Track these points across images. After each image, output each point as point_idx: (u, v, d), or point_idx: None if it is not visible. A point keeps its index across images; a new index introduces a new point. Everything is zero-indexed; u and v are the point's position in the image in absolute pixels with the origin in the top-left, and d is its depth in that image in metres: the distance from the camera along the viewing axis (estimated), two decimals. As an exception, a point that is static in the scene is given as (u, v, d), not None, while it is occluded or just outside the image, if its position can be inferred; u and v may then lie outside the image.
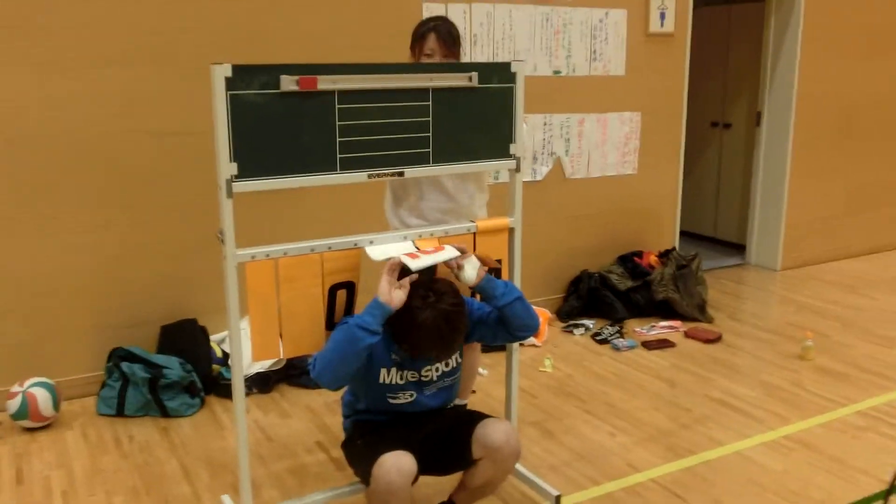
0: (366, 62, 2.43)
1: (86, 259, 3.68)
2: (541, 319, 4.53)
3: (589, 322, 4.77)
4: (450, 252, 2.47)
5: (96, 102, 3.58)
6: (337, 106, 2.34)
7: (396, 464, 2.25)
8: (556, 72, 4.79)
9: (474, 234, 2.69)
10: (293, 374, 3.88)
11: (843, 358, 4.28)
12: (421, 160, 2.53)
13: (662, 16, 5.12)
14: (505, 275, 2.79)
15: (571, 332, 4.69)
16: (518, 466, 2.88)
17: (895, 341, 4.54)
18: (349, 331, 2.26)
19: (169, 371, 3.55)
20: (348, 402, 2.64)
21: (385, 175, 2.48)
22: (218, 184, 2.24)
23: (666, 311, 4.90)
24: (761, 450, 3.28)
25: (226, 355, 3.88)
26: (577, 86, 4.88)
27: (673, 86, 5.28)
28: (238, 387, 2.41)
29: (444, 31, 2.90)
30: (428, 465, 2.43)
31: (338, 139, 2.36)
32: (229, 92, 2.17)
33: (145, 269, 3.80)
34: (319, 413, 3.60)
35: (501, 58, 4.54)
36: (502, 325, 2.52)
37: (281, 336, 2.44)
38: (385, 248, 2.48)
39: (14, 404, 3.35)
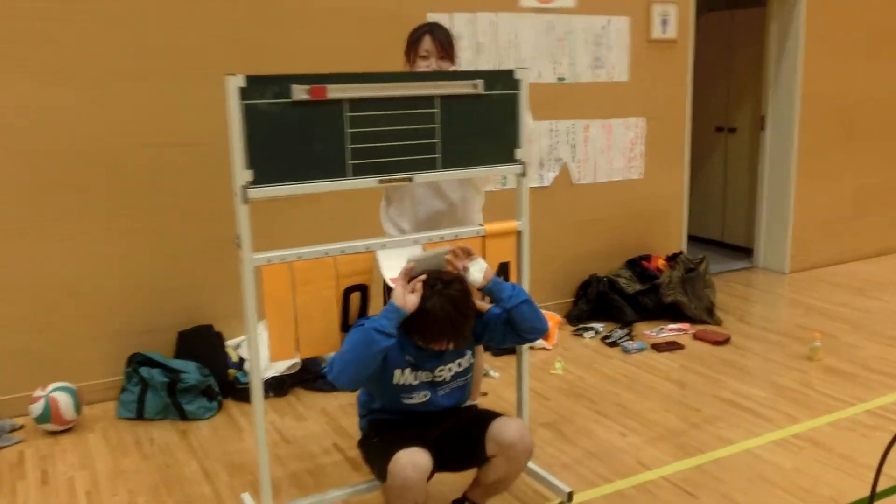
0: (372, 71, 2.50)
1: (104, 268, 3.76)
2: (550, 323, 4.60)
3: (598, 325, 4.83)
4: (446, 248, 2.54)
5: (111, 115, 3.67)
6: (347, 114, 2.42)
7: (412, 460, 2.31)
8: (561, 79, 4.86)
9: (483, 237, 2.76)
10: (308, 377, 3.95)
11: (852, 358, 4.32)
12: (429, 165, 2.60)
13: (665, 22, 5.19)
14: (513, 278, 2.85)
15: (581, 335, 4.75)
16: (531, 465, 2.94)
17: (903, 342, 4.59)
18: (366, 334, 2.33)
19: (187, 375, 3.63)
20: (364, 402, 2.70)
21: (395, 180, 2.55)
22: (233, 190, 2.31)
23: (674, 314, 4.95)
24: (771, 448, 3.32)
25: (241, 360, 3.95)
26: (581, 92, 4.95)
27: (677, 91, 5.35)
28: (256, 387, 2.48)
29: (439, 34, 2.97)
30: (443, 463, 2.49)
31: (348, 146, 2.44)
32: (243, 101, 2.25)
33: (161, 276, 3.89)
34: (335, 416, 3.66)
35: (506, 66, 4.62)
36: (511, 328, 2.59)
37: (297, 338, 2.51)
38: (394, 265, 2.55)
39: (37, 408, 3.43)
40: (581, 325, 4.86)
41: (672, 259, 5.23)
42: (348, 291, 2.58)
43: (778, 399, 3.81)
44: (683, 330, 4.77)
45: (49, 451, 3.35)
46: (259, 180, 2.32)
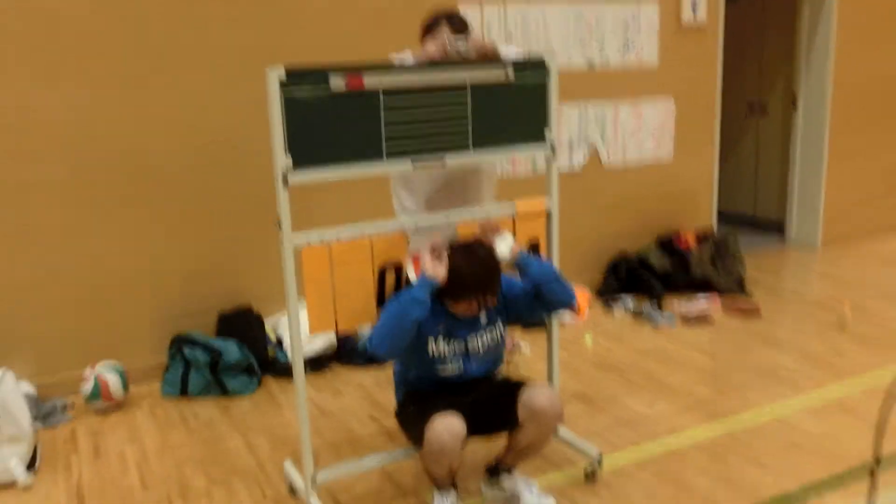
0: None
1: (147, 255, 3.91)
2: (580, 298, 4.68)
3: (628, 300, 4.88)
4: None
5: (150, 111, 3.80)
6: (382, 102, 2.50)
7: (447, 425, 2.41)
8: (590, 64, 4.90)
9: (514, 217, 2.84)
10: (344, 354, 4.07)
11: (882, 326, 4.33)
12: (461, 148, 2.68)
13: (694, 7, 5.21)
14: (543, 256, 2.92)
15: (611, 309, 4.81)
16: (561, 431, 3.03)
17: (935, 311, 4.58)
18: (401, 305, 2.46)
19: (228, 354, 3.76)
20: (399, 373, 2.80)
21: (428, 164, 2.63)
22: (274, 175, 2.42)
23: (704, 289, 4.99)
24: (800, 415, 3.36)
25: (279, 339, 4.08)
26: (610, 76, 4.99)
27: (707, 74, 5.36)
28: (297, 357, 2.59)
29: (455, 19, 3.02)
30: (476, 429, 2.57)
31: (384, 132, 2.53)
32: (283, 92, 2.35)
33: (202, 261, 4.03)
34: (370, 390, 3.78)
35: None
36: (539, 302, 2.68)
37: (335, 313, 2.61)
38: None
39: (87, 387, 3.59)
40: (611, 300, 4.91)
41: (702, 236, 5.26)
42: (383, 270, 2.68)
43: (807, 367, 3.84)
44: (713, 303, 4.80)
45: (99, 428, 3.50)
46: (298, 166, 2.42)
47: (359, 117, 2.47)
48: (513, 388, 2.65)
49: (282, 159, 2.39)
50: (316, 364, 4.00)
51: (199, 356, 3.75)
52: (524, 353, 4.15)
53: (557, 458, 3.04)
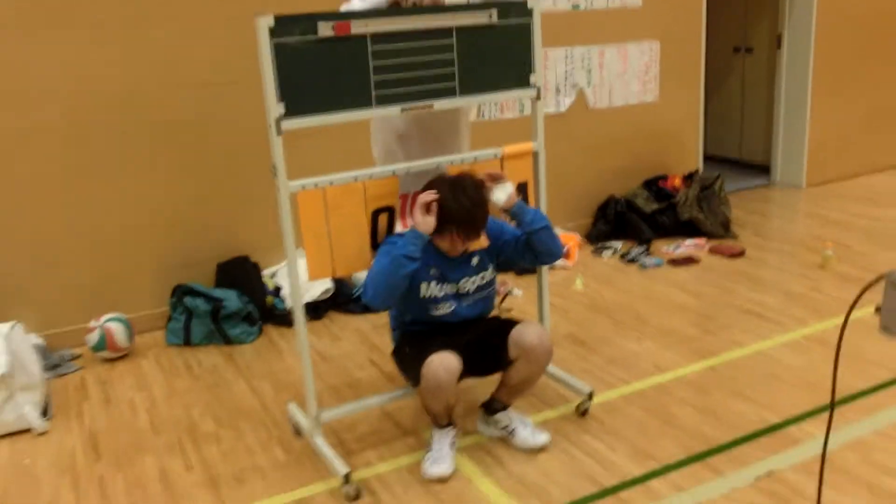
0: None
1: (146, 206, 3.98)
2: (570, 243, 4.79)
3: (617, 244, 5.00)
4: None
5: (144, 60, 3.84)
6: (370, 47, 2.56)
7: (443, 362, 2.53)
8: (575, 6, 4.93)
9: (501, 158, 2.92)
10: (341, 301, 4.19)
11: (863, 265, 4.47)
12: (448, 93, 2.75)
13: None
14: (531, 196, 3.02)
15: (600, 253, 4.93)
16: (553, 369, 3.16)
17: (915, 248, 4.71)
18: (393, 260, 2.54)
19: (228, 303, 3.87)
20: (395, 316, 2.92)
21: (416, 108, 2.70)
22: (268, 123, 2.49)
23: (691, 230, 5.10)
24: (781, 349, 3.51)
25: (277, 288, 4.19)
26: (595, 18, 5.02)
27: (691, 14, 5.39)
28: (297, 302, 2.69)
29: None
30: (470, 368, 2.70)
31: (372, 77, 2.59)
32: (273, 40, 2.41)
33: (200, 212, 4.11)
34: (368, 335, 3.90)
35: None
36: (529, 250, 2.78)
37: (332, 258, 2.71)
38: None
39: (93, 338, 3.69)
40: (600, 244, 5.03)
41: (688, 178, 5.35)
42: (376, 213, 2.77)
43: (789, 305, 3.98)
44: (699, 245, 4.92)
45: (108, 377, 3.62)
46: (291, 113, 2.49)
47: (348, 64, 2.53)
48: (504, 328, 2.76)
49: (274, 107, 2.45)
50: (314, 311, 4.11)
51: (201, 305, 3.86)
52: (517, 296, 4.28)
53: (551, 397, 3.18)
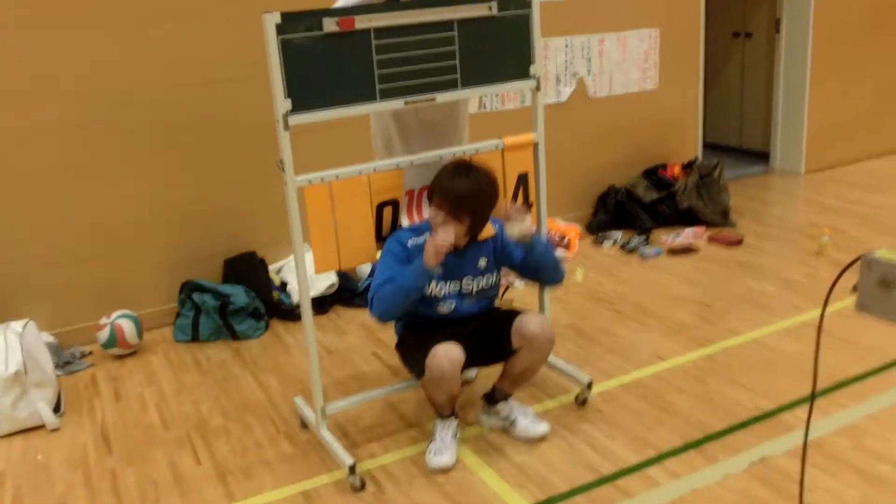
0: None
1: (154, 203, 4.05)
2: (571, 234, 4.85)
3: (617, 234, 5.05)
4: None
5: (147, 58, 3.89)
6: (373, 42, 2.62)
7: (447, 353, 2.60)
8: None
9: (502, 150, 2.98)
10: (346, 296, 4.26)
11: (860, 251, 4.48)
12: (450, 86, 2.80)
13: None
14: (531, 188, 3.08)
15: (601, 244, 4.98)
16: (553, 359, 3.23)
17: (912, 233, 4.76)
18: (403, 290, 2.64)
19: (235, 298, 3.94)
20: (399, 311, 2.98)
21: (419, 101, 2.76)
22: (275, 118, 2.55)
23: (691, 219, 5.15)
24: (777, 336, 3.57)
25: (283, 283, 4.26)
26: (595, 6, 5.06)
27: (690, 3, 5.41)
28: (304, 293, 2.75)
29: None
30: (473, 359, 2.77)
31: (376, 71, 2.65)
32: (280, 37, 2.47)
33: (207, 208, 4.17)
34: (372, 329, 3.97)
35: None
36: (528, 270, 2.89)
37: (338, 250, 2.78)
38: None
39: (104, 335, 3.77)
40: (600, 234, 5.09)
41: (687, 166, 5.40)
42: (381, 206, 2.84)
43: (786, 292, 4.04)
44: (699, 234, 4.97)
45: (118, 373, 3.70)
46: (297, 108, 2.55)
47: (352, 58, 2.59)
48: (506, 319, 2.83)
49: (281, 103, 2.52)
50: (319, 305, 4.17)
51: (209, 301, 3.93)
52: (518, 287, 4.34)
53: (551, 387, 3.25)
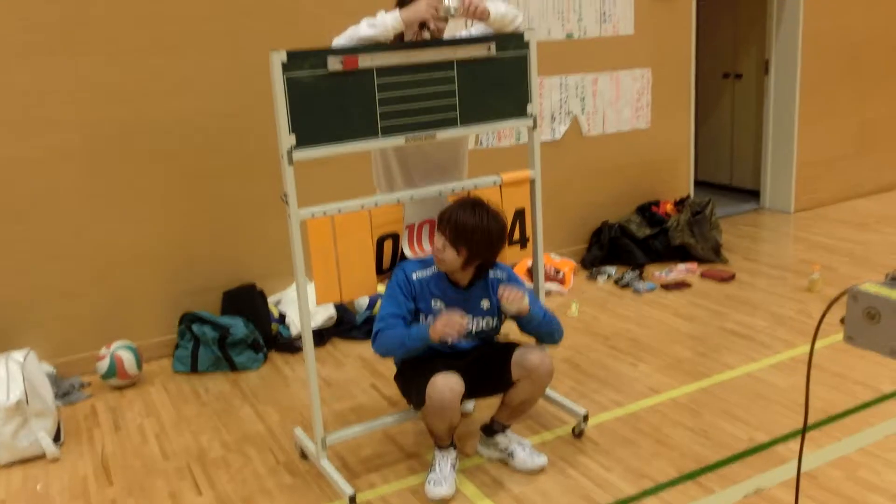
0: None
1: (155, 235, 4.10)
2: (565, 269, 4.91)
3: (611, 269, 5.13)
4: None
5: (154, 89, 3.97)
6: (376, 80, 2.71)
7: (447, 383, 2.64)
8: (569, 35, 5.10)
9: (500, 185, 3.05)
10: (344, 328, 4.30)
11: (850, 288, 4.58)
12: (450, 123, 2.89)
13: (668, -23, 5.39)
14: (528, 224, 3.15)
15: (595, 279, 5.05)
16: (550, 392, 3.27)
17: (900, 270, 4.84)
18: (405, 346, 2.74)
19: (235, 330, 3.98)
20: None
21: (419, 138, 2.84)
22: (280, 153, 2.62)
23: (683, 255, 5.23)
24: (769, 370, 3.63)
25: (282, 315, 4.30)
26: (589, 47, 5.19)
27: (681, 41, 5.56)
28: (306, 323, 2.80)
29: None
30: (472, 389, 2.80)
31: (378, 109, 2.73)
32: (286, 74, 2.55)
33: (207, 241, 4.22)
34: (370, 361, 4.01)
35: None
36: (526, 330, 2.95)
37: (339, 282, 2.83)
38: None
39: (103, 365, 3.80)
40: (595, 270, 5.15)
41: (680, 203, 5.50)
42: (381, 240, 2.90)
43: (778, 328, 4.11)
44: (691, 270, 5.05)
45: (117, 403, 3.72)
46: (302, 144, 2.62)
47: (355, 96, 2.68)
48: (505, 351, 2.87)
49: (286, 138, 2.59)
50: (318, 338, 4.21)
51: (208, 333, 3.97)
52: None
53: (548, 419, 3.30)
